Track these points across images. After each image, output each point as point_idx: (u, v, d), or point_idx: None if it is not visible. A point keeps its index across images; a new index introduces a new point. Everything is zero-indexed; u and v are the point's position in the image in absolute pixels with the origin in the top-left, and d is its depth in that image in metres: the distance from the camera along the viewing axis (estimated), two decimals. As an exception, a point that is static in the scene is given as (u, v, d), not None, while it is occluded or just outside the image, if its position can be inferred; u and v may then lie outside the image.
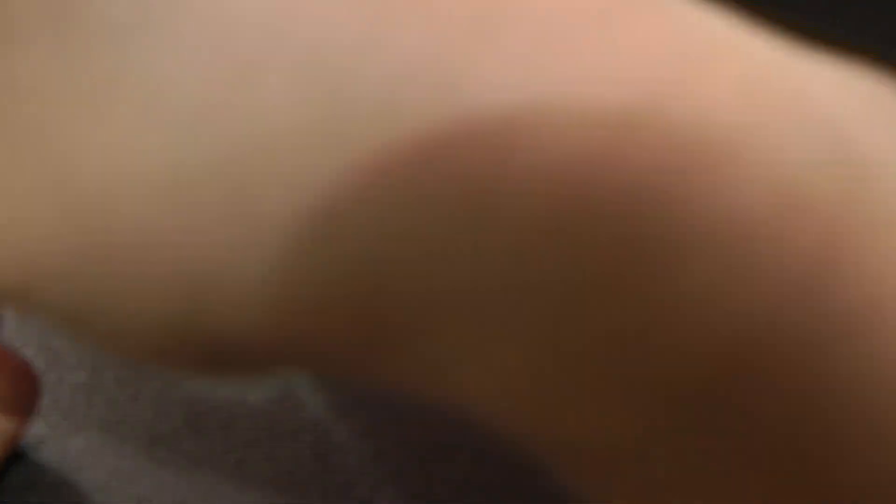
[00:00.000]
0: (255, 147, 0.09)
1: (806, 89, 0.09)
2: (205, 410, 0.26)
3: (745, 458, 0.09)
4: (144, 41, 0.09)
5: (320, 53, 0.09)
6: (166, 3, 0.09)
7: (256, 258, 0.09)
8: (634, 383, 0.09)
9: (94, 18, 0.09)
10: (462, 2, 0.09)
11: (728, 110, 0.09)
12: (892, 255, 0.09)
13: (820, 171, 0.09)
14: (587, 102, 0.08)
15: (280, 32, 0.09)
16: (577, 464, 0.11)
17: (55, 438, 0.25)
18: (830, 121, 0.09)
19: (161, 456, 0.25)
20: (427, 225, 0.09)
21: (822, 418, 0.09)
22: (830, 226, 0.08)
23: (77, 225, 0.10)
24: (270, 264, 0.09)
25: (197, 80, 0.09)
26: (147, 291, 0.10)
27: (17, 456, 0.24)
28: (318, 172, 0.09)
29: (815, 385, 0.09)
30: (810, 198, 0.08)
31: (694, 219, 0.08)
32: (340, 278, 0.09)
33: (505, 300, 0.09)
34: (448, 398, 0.11)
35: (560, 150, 0.08)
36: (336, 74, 0.09)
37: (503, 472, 0.25)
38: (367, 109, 0.09)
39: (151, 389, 0.27)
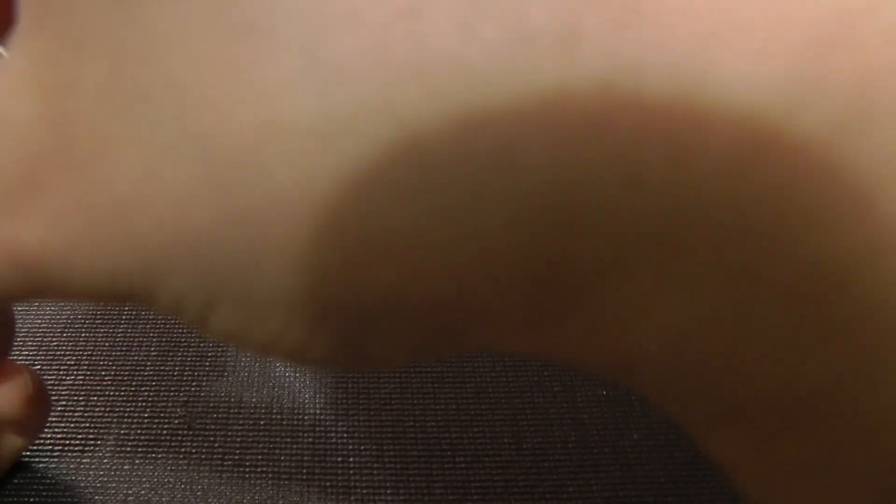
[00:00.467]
0: (419, 85, 0.08)
1: None
2: (204, 410, 0.26)
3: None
4: None
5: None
6: None
7: (420, 205, 0.09)
8: (826, 325, 0.09)
9: None
10: None
11: None
12: None
13: None
14: (781, 22, 0.08)
15: None
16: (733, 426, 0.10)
17: (53, 440, 0.25)
18: None
19: (160, 456, 0.25)
20: (614, 149, 0.08)
21: None
22: None
23: (218, 187, 0.09)
24: (437, 209, 0.09)
25: (355, 14, 0.08)
26: (295, 258, 0.09)
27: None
28: (489, 100, 0.08)
29: None
30: None
31: (893, 150, 0.08)
32: (515, 216, 0.09)
33: (695, 236, 0.09)
34: (611, 360, 0.10)
35: (759, 72, 0.08)
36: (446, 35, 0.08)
37: (503, 472, 0.25)
38: (543, 20, 0.08)
39: (150, 389, 0.27)
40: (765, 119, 0.08)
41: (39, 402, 0.19)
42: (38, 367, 0.27)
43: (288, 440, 0.25)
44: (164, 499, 0.24)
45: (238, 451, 0.25)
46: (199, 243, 0.09)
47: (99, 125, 0.10)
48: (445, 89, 0.08)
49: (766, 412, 0.09)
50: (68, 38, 0.10)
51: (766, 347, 0.09)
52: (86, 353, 0.27)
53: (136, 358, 0.28)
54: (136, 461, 0.25)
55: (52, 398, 0.26)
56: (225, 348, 0.28)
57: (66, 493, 0.24)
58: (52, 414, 0.25)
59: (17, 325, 0.22)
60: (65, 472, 0.24)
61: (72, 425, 0.25)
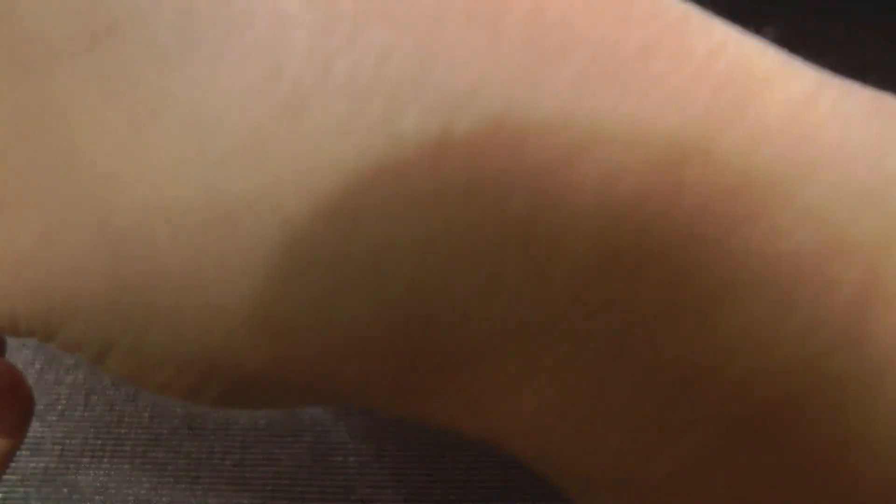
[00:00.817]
0: (298, 182, 0.09)
1: (843, 119, 0.09)
2: (203, 411, 0.26)
3: (784, 488, 0.09)
4: (189, 69, 0.09)
5: (370, 77, 0.09)
6: (213, 27, 0.09)
7: (295, 293, 0.09)
8: (675, 419, 0.09)
9: (137, 42, 0.09)
10: (525, 27, 0.09)
11: (774, 143, 0.09)
12: None
13: (860, 208, 0.09)
14: (638, 135, 0.09)
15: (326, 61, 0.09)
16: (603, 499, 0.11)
17: (53, 440, 0.25)
18: (869, 151, 0.09)
19: (160, 456, 0.25)
20: (474, 254, 0.09)
21: (862, 452, 0.09)
22: (870, 268, 0.09)
23: (111, 256, 0.10)
24: (310, 299, 0.09)
25: (241, 110, 0.09)
26: (182, 326, 0.10)
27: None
28: (363, 201, 0.09)
29: (855, 424, 0.09)
30: (850, 239, 0.09)
31: (739, 260, 0.09)
32: (382, 309, 0.09)
33: (549, 335, 0.09)
34: (480, 433, 0.11)
35: (613, 188, 0.09)
36: (385, 100, 0.09)
37: (503, 472, 0.25)
38: (417, 123, 0.09)
39: (150, 389, 0.27)
40: (617, 232, 0.09)
41: (11, 398, 0.18)
42: (39, 366, 0.27)
43: (288, 440, 0.25)
44: (164, 499, 0.24)
45: (238, 451, 0.25)
46: (95, 300, 0.10)
47: (7, 188, 0.10)
48: (322, 187, 0.09)
49: (624, 495, 0.10)
50: None
51: (617, 436, 0.10)
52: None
53: (135, 358, 0.28)
54: (136, 461, 0.25)
55: (52, 398, 0.26)
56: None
57: (67, 493, 0.24)
58: (52, 414, 0.25)
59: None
60: (65, 472, 0.24)
61: (72, 425, 0.25)
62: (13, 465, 0.24)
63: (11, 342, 0.25)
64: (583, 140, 0.09)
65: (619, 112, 0.09)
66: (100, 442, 0.25)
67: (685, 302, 0.09)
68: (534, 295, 0.09)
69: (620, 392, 0.09)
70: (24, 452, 0.24)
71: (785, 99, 0.09)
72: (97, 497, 0.24)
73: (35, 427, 0.25)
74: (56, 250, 0.10)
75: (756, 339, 0.09)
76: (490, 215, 0.09)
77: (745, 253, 0.09)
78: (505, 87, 0.09)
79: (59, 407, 0.26)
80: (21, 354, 0.27)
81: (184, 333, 0.10)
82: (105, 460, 0.24)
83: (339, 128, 0.09)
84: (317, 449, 0.25)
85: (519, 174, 0.09)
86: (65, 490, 0.24)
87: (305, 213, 0.09)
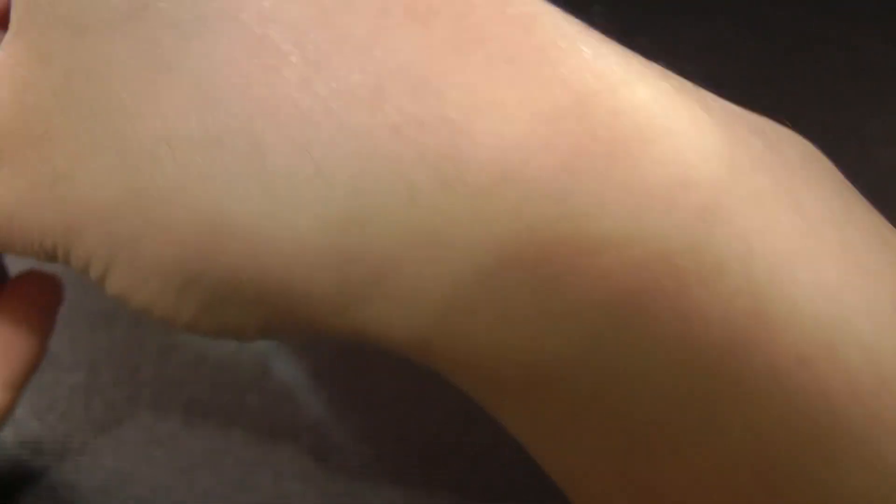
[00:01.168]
0: (268, 117, 0.12)
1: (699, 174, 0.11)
2: (203, 411, 0.26)
3: None
4: (198, 37, 0.12)
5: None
6: (219, 9, 0.12)
7: (257, 204, 0.12)
8: (557, 306, 0.12)
9: (162, 16, 0.12)
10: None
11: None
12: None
13: (705, 156, 0.11)
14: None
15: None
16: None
17: (53, 440, 0.25)
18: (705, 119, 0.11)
19: (160, 456, 0.25)
20: (393, 174, 0.12)
21: (703, 323, 0.11)
22: (714, 195, 0.11)
23: (125, 172, 0.12)
24: (267, 209, 0.12)
25: (233, 67, 0.12)
26: (167, 235, 0.12)
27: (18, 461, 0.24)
28: (312, 136, 0.12)
29: (698, 304, 0.11)
30: (695, 175, 0.11)
31: (616, 185, 0.11)
32: (322, 219, 0.12)
33: (452, 246, 0.12)
34: (409, 344, 0.13)
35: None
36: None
37: (503, 472, 0.25)
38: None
39: (150, 389, 0.27)
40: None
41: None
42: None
43: (288, 440, 0.25)
44: (163, 499, 0.24)
45: (238, 452, 0.25)
46: (106, 212, 0.13)
47: (48, 116, 0.13)
48: (288, 124, 0.12)
49: (523, 379, 0.12)
50: (39, 49, 0.13)
51: (510, 328, 0.12)
52: (86, 353, 0.27)
53: (136, 358, 0.28)
54: (136, 461, 0.25)
55: (52, 399, 0.26)
56: (225, 348, 0.28)
57: (67, 493, 0.24)
58: (52, 414, 0.25)
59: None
60: (65, 472, 0.24)
61: (72, 425, 0.25)
62: (13, 465, 0.24)
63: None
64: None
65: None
66: (100, 442, 0.25)
67: (566, 213, 0.11)
68: (442, 207, 0.11)
69: (508, 287, 0.11)
70: (24, 452, 0.24)
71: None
72: (97, 497, 0.24)
73: (35, 427, 0.25)
74: (83, 168, 0.13)
75: (619, 238, 0.11)
76: (408, 150, 0.11)
77: (618, 181, 0.11)
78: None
79: (59, 407, 0.26)
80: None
81: (168, 243, 0.12)
82: (105, 460, 0.25)
83: (301, 78, 0.12)
84: (317, 449, 0.25)
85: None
86: (65, 490, 0.24)
87: (271, 142, 0.12)
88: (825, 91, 0.31)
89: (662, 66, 0.12)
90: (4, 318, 0.20)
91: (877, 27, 0.32)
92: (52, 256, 0.14)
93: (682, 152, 0.11)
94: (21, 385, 0.20)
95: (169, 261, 0.13)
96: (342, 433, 0.26)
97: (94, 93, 0.12)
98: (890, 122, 0.31)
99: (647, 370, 0.11)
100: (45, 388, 0.26)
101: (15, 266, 0.22)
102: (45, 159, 0.13)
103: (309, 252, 0.12)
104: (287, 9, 0.12)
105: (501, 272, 0.11)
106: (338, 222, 0.12)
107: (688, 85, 0.12)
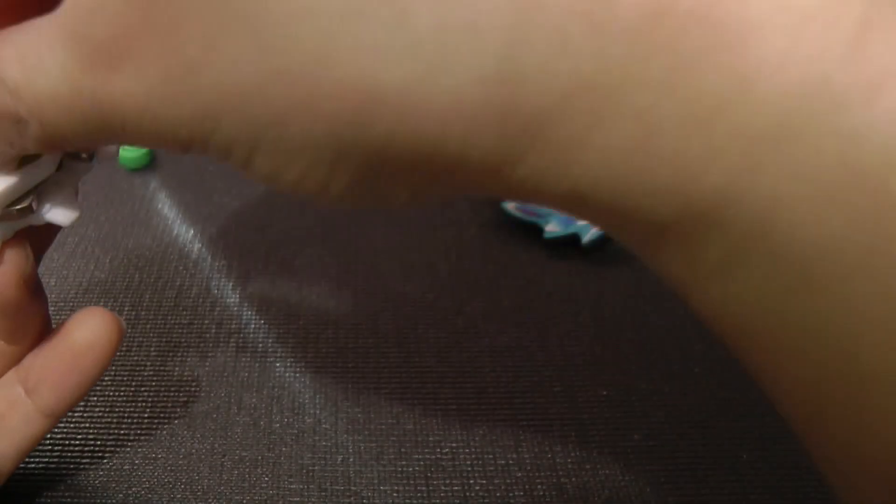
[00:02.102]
0: None
1: None
2: (203, 411, 0.26)
3: None
4: None
5: None
6: None
7: (408, 68, 0.12)
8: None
9: None
10: None
11: None
12: None
13: None
14: None
15: None
16: None
17: (53, 441, 0.25)
18: None
19: (160, 456, 0.25)
20: (547, 24, 0.12)
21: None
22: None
23: (260, 54, 0.12)
24: (419, 73, 0.12)
25: None
26: (314, 113, 0.12)
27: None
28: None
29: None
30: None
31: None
32: (479, 76, 0.12)
33: (609, 95, 0.12)
34: (567, 188, 0.13)
35: None
36: None
37: (504, 473, 0.25)
38: None
39: (150, 389, 0.27)
40: None
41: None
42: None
43: (288, 440, 0.25)
44: (163, 499, 0.24)
45: (238, 451, 0.25)
46: (245, 97, 0.12)
47: (172, 5, 0.12)
48: None
49: (684, 221, 0.12)
50: None
51: (673, 161, 0.12)
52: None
53: (136, 358, 0.28)
54: (136, 461, 0.25)
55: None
56: (225, 348, 0.28)
57: (67, 493, 0.24)
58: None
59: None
60: (65, 472, 0.24)
61: (72, 425, 0.25)
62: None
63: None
64: None
65: None
66: (100, 442, 0.25)
67: (722, 42, 0.11)
68: (595, 53, 0.11)
69: (666, 125, 0.11)
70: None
71: None
72: (97, 497, 0.24)
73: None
74: (216, 55, 0.12)
75: (775, 61, 0.11)
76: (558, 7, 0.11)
77: (772, 4, 0.11)
78: None
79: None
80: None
81: (316, 119, 0.12)
82: (105, 460, 0.25)
83: None
84: (317, 449, 0.25)
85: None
86: (65, 490, 0.24)
87: (416, 4, 0.12)
88: None
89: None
90: (62, 354, 0.20)
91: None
92: (186, 147, 0.14)
93: None
94: (61, 416, 0.21)
95: (318, 136, 0.13)
96: (342, 433, 0.26)
97: None
98: None
99: (810, 197, 0.11)
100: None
101: (48, 282, 0.22)
102: (174, 50, 0.13)
103: (463, 112, 0.12)
104: None
105: (658, 109, 0.11)
106: (491, 78, 0.12)
107: None
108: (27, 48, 0.14)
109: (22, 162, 0.17)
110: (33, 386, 0.20)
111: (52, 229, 0.20)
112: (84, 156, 0.18)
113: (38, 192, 0.18)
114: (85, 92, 0.13)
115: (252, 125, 0.13)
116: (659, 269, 0.14)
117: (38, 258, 0.21)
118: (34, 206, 0.17)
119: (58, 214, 0.18)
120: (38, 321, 0.20)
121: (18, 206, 0.17)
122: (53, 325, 0.21)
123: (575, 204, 0.13)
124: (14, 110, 0.14)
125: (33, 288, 0.19)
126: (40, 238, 0.20)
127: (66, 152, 0.18)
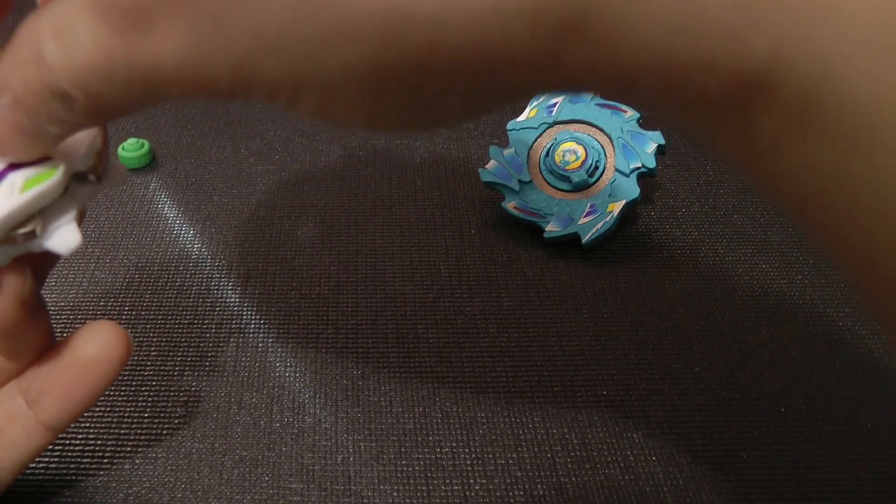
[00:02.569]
0: None
1: None
2: (203, 411, 0.26)
3: None
4: None
5: None
6: None
7: None
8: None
9: None
10: None
11: None
12: None
13: None
14: None
15: None
16: None
17: (53, 441, 0.25)
18: None
19: (160, 456, 0.25)
20: None
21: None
22: None
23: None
24: None
25: None
26: (353, 41, 0.12)
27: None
28: None
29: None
30: None
31: None
32: None
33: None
34: (616, 72, 0.13)
35: None
36: None
37: (504, 473, 0.25)
38: None
39: (150, 389, 0.27)
40: None
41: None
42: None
43: (288, 440, 0.25)
44: (164, 498, 0.24)
45: (238, 451, 0.25)
46: (278, 37, 0.13)
47: None
48: None
49: (737, 91, 0.12)
50: None
51: (714, 32, 0.12)
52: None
53: (136, 358, 0.28)
54: (136, 461, 0.25)
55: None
56: (225, 348, 0.28)
57: (67, 493, 0.24)
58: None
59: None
60: (65, 471, 0.24)
61: (73, 426, 0.25)
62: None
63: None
64: None
65: None
66: (100, 442, 0.25)
67: None
68: None
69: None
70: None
71: None
72: (97, 497, 0.24)
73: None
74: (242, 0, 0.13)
75: None
76: None
77: None
78: None
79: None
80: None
81: (353, 45, 0.12)
82: (105, 460, 0.25)
83: None
84: (317, 449, 0.25)
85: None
86: (65, 490, 0.24)
87: None
88: None
89: None
90: (69, 369, 0.20)
91: None
92: (231, 94, 0.14)
93: None
94: (62, 430, 0.21)
95: (356, 63, 0.13)
96: (342, 433, 0.26)
97: None
98: None
99: (864, 55, 0.11)
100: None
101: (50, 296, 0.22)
102: (199, 2, 0.13)
103: (500, 8, 0.12)
104: None
105: None
106: None
107: None
108: (60, 22, 0.14)
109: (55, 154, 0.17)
110: (35, 397, 0.20)
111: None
112: (91, 177, 0.18)
113: (44, 215, 0.17)
114: (121, 57, 0.14)
115: (289, 63, 0.13)
116: (719, 149, 0.14)
117: (42, 277, 0.21)
118: (38, 231, 0.17)
119: (58, 242, 0.17)
120: (39, 338, 0.20)
121: (23, 231, 0.17)
122: (52, 324, 0.21)
123: (627, 86, 0.13)
124: (58, 85, 0.14)
125: (33, 309, 0.19)
126: (44, 257, 0.20)
127: (73, 174, 0.18)
